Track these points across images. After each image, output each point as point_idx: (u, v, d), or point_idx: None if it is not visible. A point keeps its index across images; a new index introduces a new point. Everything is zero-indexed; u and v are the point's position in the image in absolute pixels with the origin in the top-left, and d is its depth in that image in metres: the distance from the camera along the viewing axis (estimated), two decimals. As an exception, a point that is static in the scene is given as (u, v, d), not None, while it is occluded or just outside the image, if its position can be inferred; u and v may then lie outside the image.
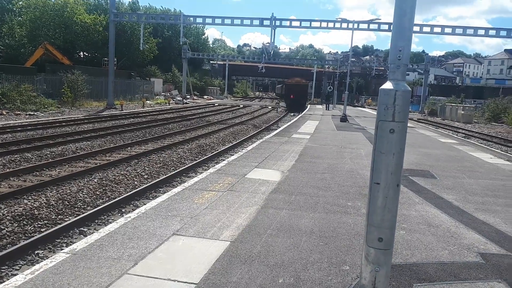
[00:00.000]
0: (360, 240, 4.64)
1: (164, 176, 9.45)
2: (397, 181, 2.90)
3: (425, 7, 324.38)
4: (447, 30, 29.00)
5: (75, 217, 6.67)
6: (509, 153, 15.44)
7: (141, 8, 63.78)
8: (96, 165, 10.07)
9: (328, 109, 38.62)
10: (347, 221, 5.39)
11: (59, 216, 6.77)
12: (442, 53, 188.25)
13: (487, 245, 4.75)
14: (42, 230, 6.14)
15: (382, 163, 2.88)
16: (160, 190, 8.51)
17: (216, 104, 43.11)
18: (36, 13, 40.48)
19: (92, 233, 5.32)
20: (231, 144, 14.95)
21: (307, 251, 4.32)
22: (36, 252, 5.38)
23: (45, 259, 4.40)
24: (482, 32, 29.06)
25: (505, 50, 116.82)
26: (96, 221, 6.63)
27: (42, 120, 19.13)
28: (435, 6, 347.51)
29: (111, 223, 5.59)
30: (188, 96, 50.88)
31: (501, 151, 15.94)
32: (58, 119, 20.20)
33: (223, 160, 10.72)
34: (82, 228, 6.25)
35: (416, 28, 28.03)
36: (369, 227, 2.94)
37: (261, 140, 13.63)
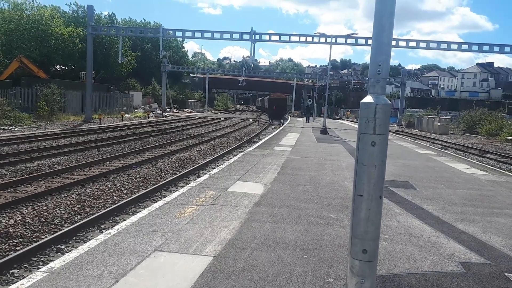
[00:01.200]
0: (343, 252, 4.66)
1: (144, 191, 9.31)
2: (380, 192, 2.93)
3: (399, 23, 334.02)
4: (422, 44, 29.86)
5: (52, 234, 6.47)
6: (485, 163, 15.87)
7: (120, 21, 63.52)
8: (74, 181, 9.84)
9: (308, 122, 39.00)
10: (330, 233, 5.40)
11: (35, 234, 6.55)
12: (418, 66, 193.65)
13: (467, 254, 4.84)
14: (17, 248, 5.93)
15: (365, 175, 2.92)
16: (140, 205, 8.36)
17: (196, 117, 42.97)
18: (11, 26, 39.74)
19: (71, 250, 5.17)
20: (212, 157, 14.88)
21: (291, 264, 4.30)
22: (11, 271, 5.18)
23: (21, 279, 4.24)
24: (455, 46, 30.05)
25: (478, 63, 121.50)
26: (75, 238, 6.45)
27: (17, 135, 18.63)
28: (409, 22, 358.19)
29: (90, 240, 5.44)
30: (168, 110, 50.59)
31: (477, 161, 16.37)
32: (34, 133, 19.73)
33: (205, 173, 10.64)
34: (59, 246, 6.06)
35: (392, 43, 28.64)
36: (353, 239, 2.95)
37: (242, 153, 13.62)
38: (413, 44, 30.18)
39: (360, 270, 2.87)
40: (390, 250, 4.87)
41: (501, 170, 13.68)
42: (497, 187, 9.41)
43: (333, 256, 4.59)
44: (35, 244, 5.92)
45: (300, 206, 6.74)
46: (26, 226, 6.75)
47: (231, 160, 11.74)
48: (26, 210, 7.46)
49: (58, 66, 48.95)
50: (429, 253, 4.81)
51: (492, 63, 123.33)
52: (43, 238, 6.28)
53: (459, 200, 7.80)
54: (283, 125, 33.00)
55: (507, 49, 28.65)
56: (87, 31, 30.56)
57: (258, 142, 18.94)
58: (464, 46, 29.95)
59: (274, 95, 53.20)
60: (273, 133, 23.61)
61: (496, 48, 28.91)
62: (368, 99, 2.91)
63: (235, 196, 7.17)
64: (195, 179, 9.57)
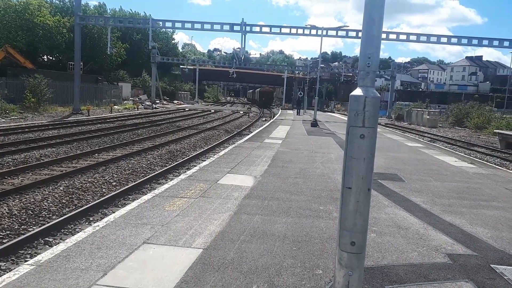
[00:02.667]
0: (332, 244, 4.69)
1: (134, 183, 9.24)
2: (368, 185, 2.94)
3: (388, 15, 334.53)
4: (412, 37, 29.97)
5: (40, 227, 6.40)
6: (472, 156, 16.08)
7: (109, 11, 62.59)
8: (62, 173, 9.74)
9: (299, 114, 39.06)
10: (319, 225, 5.43)
11: (23, 226, 6.48)
12: (407, 59, 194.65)
13: (454, 246, 4.90)
14: (4, 241, 5.86)
15: (353, 168, 2.92)
16: (129, 198, 8.31)
17: (186, 109, 42.73)
18: (-3, 15, 38.96)
19: (58, 243, 5.12)
20: (202, 150, 14.82)
21: (280, 256, 4.31)
22: (-3, 265, 5.12)
23: (7, 272, 4.19)
24: (445, 40, 30.22)
25: (467, 57, 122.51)
26: (63, 230, 6.39)
27: (3, 126, 18.34)
28: (399, 14, 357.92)
29: (78, 232, 5.40)
30: (158, 101, 50.19)
31: (465, 154, 16.57)
32: (20, 125, 19.44)
33: (195, 166, 10.61)
34: (47, 238, 6.00)
35: (382, 36, 28.74)
36: (341, 232, 2.96)
37: (233, 145, 13.59)
38: (403, 37, 30.29)
39: (348, 262, 2.90)
40: (379, 242, 4.91)
41: (488, 163, 13.88)
42: (484, 180, 9.54)
43: (322, 248, 4.62)
44: (22, 236, 5.85)
45: (290, 198, 6.76)
46: (13, 219, 6.67)
47: (222, 153, 11.71)
48: (13, 203, 7.37)
49: (45, 57, 48.17)
50: (417, 245, 4.87)
51: (481, 56, 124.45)
52: (30, 231, 6.20)
53: (447, 192, 7.90)
54: (274, 118, 33.01)
55: (495, 42, 28.90)
56: (75, 21, 30.03)
57: (248, 134, 18.92)
58: (454, 40, 30.14)
59: (263, 88, 66.67)
60: (264, 126, 23.59)
61: (485, 42, 29.14)
62: (358, 92, 2.91)
63: (225, 189, 7.17)
64: (185, 172, 9.54)
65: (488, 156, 17.68)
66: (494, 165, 13.28)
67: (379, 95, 2.94)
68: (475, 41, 29.31)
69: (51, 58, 48.29)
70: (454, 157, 13.57)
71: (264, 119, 34.86)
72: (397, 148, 15.42)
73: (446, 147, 19.40)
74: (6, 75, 31.05)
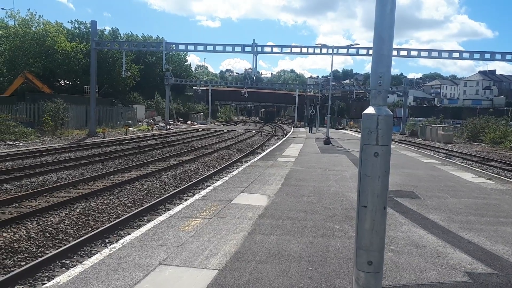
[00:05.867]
0: (349, 264, 4.63)
1: (148, 204, 9.30)
2: (384, 203, 2.93)
3: (397, 32, 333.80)
4: (424, 53, 29.96)
5: (57, 249, 6.47)
6: (489, 172, 15.78)
7: (122, 35, 64.23)
8: (78, 195, 9.87)
9: (311, 132, 39.07)
10: (335, 244, 5.38)
11: (40, 249, 6.56)
12: (419, 75, 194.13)
13: (474, 264, 4.79)
14: (22, 264, 5.93)
15: (368, 186, 2.92)
16: (144, 219, 8.35)
17: (200, 130, 43.10)
18: (16, 42, 40.29)
19: (75, 265, 5.17)
20: (216, 169, 14.88)
21: (296, 276, 4.27)
22: (16, 287, 5.17)
23: (25, 295, 4.24)
24: (456, 55, 30.11)
25: (480, 71, 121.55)
26: (79, 252, 6.44)
27: (21, 150, 18.74)
28: (407, 31, 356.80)
29: (94, 254, 5.45)
30: (171, 122, 50.79)
31: (482, 169, 16.29)
32: (38, 148, 19.84)
33: (209, 185, 10.64)
34: (64, 261, 6.05)
35: (394, 52, 28.79)
36: (358, 251, 2.94)
37: (246, 165, 13.62)
38: (414, 53, 30.31)
39: (365, 282, 2.86)
40: (396, 261, 4.83)
41: (506, 179, 13.59)
42: (502, 196, 9.35)
43: (338, 268, 4.57)
44: (40, 259, 5.91)
45: (305, 217, 6.72)
46: (31, 241, 6.76)
47: (235, 172, 11.74)
48: (31, 225, 7.48)
49: (62, 81, 49.47)
50: (435, 264, 4.77)
51: (494, 70, 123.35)
52: (47, 253, 6.27)
53: (465, 209, 7.76)
54: (286, 136, 33.04)
55: (509, 56, 28.66)
56: (91, 46, 30.92)
57: (261, 153, 18.94)
58: (466, 55, 30.00)
59: (268, 108, 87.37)
60: (276, 144, 23.62)
61: (498, 56, 28.91)
62: (370, 110, 2.93)
63: (239, 208, 7.17)
64: (199, 192, 9.57)
65: (506, 172, 17.33)
66: (513, 181, 13.00)
67: (391, 113, 2.96)
68: (487, 56, 29.12)
69: (67, 82, 49.54)
70: (470, 173, 13.34)
71: (276, 137, 34.91)
72: (412, 164, 15.25)
73: (462, 162, 19.11)
74: (25, 99, 31.90)
